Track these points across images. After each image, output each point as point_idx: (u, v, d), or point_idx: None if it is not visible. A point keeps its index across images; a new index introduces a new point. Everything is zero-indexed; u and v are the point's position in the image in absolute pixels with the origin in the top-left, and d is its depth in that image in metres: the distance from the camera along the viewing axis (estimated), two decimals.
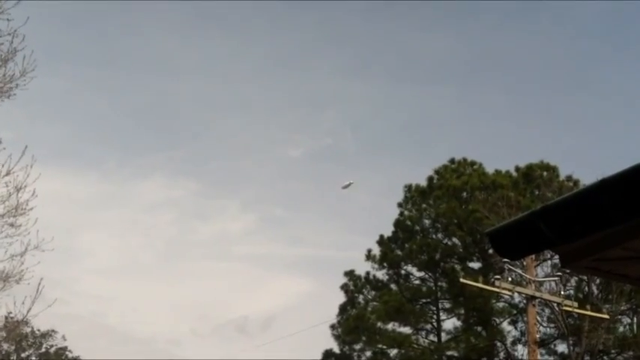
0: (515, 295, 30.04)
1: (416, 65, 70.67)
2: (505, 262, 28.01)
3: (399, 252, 39.83)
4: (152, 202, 71.52)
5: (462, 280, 28.74)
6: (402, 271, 39.86)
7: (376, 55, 73.20)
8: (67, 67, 65.50)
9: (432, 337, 38.81)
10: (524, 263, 28.46)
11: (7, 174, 14.56)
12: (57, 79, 62.12)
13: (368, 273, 40.40)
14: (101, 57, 71.66)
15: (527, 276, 27.41)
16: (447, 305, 39.25)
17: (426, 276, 39.78)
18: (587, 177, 39.09)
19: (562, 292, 28.67)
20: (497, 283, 26.23)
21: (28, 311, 14.75)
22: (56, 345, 47.05)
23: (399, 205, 40.93)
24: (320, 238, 65.66)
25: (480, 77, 71.04)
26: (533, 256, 28.41)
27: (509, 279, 27.84)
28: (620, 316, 34.05)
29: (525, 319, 29.63)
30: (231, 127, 73.83)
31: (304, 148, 72.64)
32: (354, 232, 63.36)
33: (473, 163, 40.33)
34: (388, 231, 40.36)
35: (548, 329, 36.10)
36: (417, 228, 40.08)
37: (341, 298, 40.52)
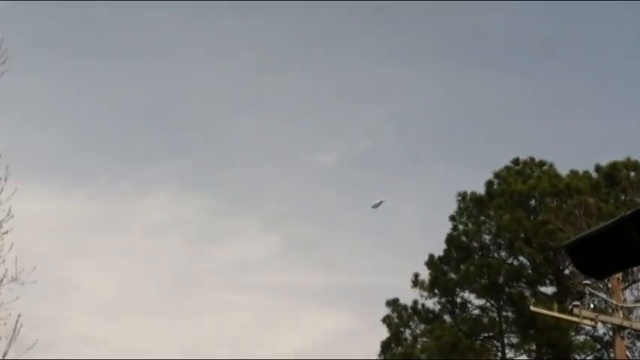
0: (599, 325, 30.10)
1: (474, 48, 71.02)
2: (585, 284, 27.96)
3: (452, 275, 40.08)
4: (155, 223, 71.80)
5: (532, 308, 29.03)
6: (458, 299, 40.12)
7: (426, 37, 73.30)
8: (51, 62, 66.16)
9: None
10: (609, 286, 28.58)
11: None
12: (38, 75, 62.80)
13: (415, 302, 40.59)
14: (92, 49, 72.32)
15: (614, 301, 27.57)
16: (515, 340, 39.29)
17: (488, 304, 39.96)
18: None
19: None
20: (576, 311, 26.32)
21: (3, 355, 14.91)
22: None
23: (452, 217, 41.07)
24: (357, 261, 66.15)
25: (552, 61, 71.52)
26: (620, 277, 28.46)
27: (591, 306, 27.97)
28: None
29: (612, 354, 29.75)
30: (250, 129, 74.77)
31: (338, 153, 73.49)
32: (399, 253, 63.26)
33: (542, 164, 40.64)
34: (439, 250, 40.71)
35: None
36: (475, 245, 40.40)
37: (384, 333, 40.77)
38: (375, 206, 44.77)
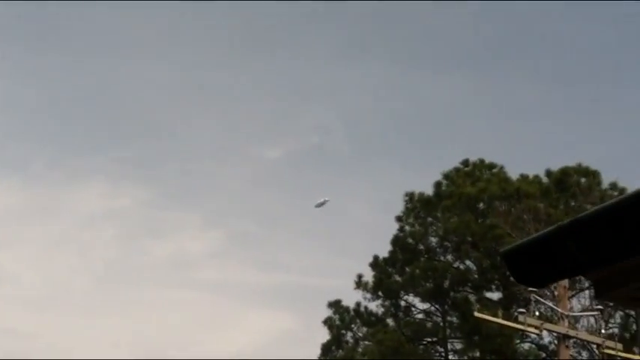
0: (545, 333, 30.08)
1: (425, 48, 71.42)
2: (532, 291, 28.07)
3: (397, 278, 40.08)
4: (90, 214, 71.17)
5: (477, 314, 28.90)
6: (402, 302, 40.19)
7: (376, 34, 73.48)
8: None
9: None
10: (556, 293, 28.60)
11: None
12: None
13: (358, 304, 40.64)
14: (26, 32, 71.23)
15: (560, 310, 27.60)
16: (458, 346, 39.51)
17: (432, 308, 40.07)
18: (636, 184, 38.11)
19: (603, 331, 28.93)
20: (521, 318, 26.34)
21: None
22: None
23: (399, 218, 41.06)
24: (300, 260, 65.53)
25: (504, 62, 71.91)
26: (567, 285, 28.42)
27: (537, 313, 28.17)
28: None
29: None
30: (193, 122, 74.89)
31: (284, 148, 73.91)
32: (343, 253, 63.25)
33: (492, 166, 40.69)
34: (384, 251, 40.80)
35: None
36: (421, 247, 40.37)
37: (325, 335, 40.85)
38: (319, 205, 45.12)
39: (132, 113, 74.02)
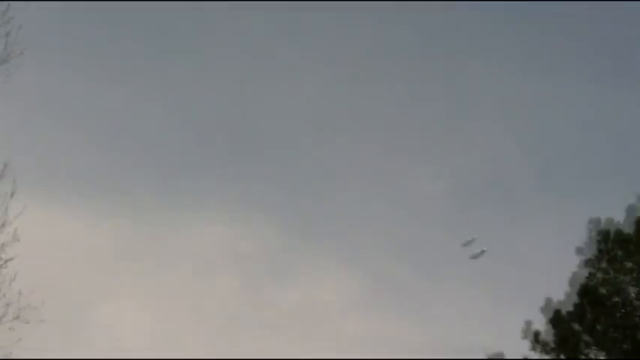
0: None
1: (609, 58, 66.16)
2: None
3: (586, 337, 36.94)
4: (208, 258, 70.00)
5: None
6: None
7: (559, 46, 68.83)
8: None
9: None
10: None
11: None
12: None
13: None
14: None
15: None
16: None
17: None
18: None
19: None
20: None
21: None
22: None
23: (588, 262, 37.77)
24: (458, 312, 60.84)
25: None
26: None
27: None
28: None
29: None
30: (333, 145, 74.43)
31: (447, 180, 70.93)
32: (521, 302, 57.75)
33: None
34: (568, 295, 38.18)
35: None
36: (617, 299, 36.97)
37: None
38: (475, 257, 41.80)
39: (266, 140, 72.28)
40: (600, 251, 37.56)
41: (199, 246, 70.86)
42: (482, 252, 42.76)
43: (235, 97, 72.93)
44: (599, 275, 37.36)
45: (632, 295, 36.71)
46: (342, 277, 70.42)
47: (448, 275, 61.34)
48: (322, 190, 72.69)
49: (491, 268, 58.41)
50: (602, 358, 36.48)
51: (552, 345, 37.01)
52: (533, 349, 37.26)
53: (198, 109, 73.35)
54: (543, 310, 37.88)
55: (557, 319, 37.35)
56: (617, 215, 37.74)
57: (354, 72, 72.51)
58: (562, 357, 36.87)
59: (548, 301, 38.02)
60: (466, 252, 45.15)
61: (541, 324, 37.68)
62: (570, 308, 37.40)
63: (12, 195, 14.76)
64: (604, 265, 37.50)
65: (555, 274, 41.51)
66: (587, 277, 37.38)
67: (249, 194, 72.24)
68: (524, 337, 37.67)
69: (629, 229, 37.06)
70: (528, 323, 37.82)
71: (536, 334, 37.41)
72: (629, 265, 36.97)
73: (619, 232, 37.31)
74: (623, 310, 36.69)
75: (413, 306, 63.42)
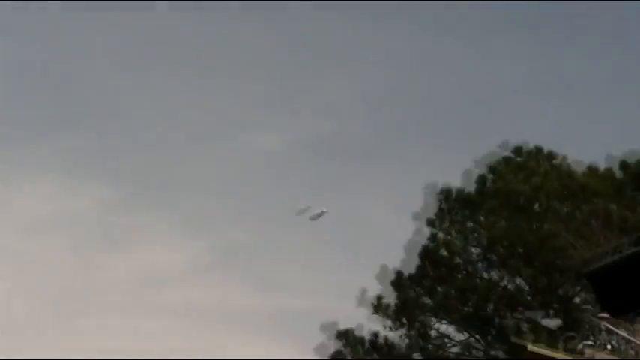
0: None
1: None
2: (602, 317, 26.90)
3: (427, 300, 37.95)
4: (34, 218, 66.60)
5: (530, 347, 28.22)
6: (432, 332, 38.17)
7: None
8: None
9: None
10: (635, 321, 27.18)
11: None
12: None
13: (376, 335, 38.51)
14: None
15: (639, 342, 27.10)
16: None
17: (472, 339, 38.09)
18: None
19: None
20: (587, 352, 26.56)
21: None
22: None
23: (430, 222, 38.69)
24: (300, 279, 61.22)
25: (566, 22, 65.72)
26: None
27: (608, 347, 28.10)
28: None
29: None
30: (170, 101, 69.47)
31: (286, 136, 69.24)
32: (356, 268, 57.00)
33: (552, 156, 39.07)
34: (409, 266, 38.52)
35: None
36: (459, 261, 38.19)
37: None
38: (314, 218, 42.13)
39: (87, 88, 69.71)
40: (441, 210, 38.61)
41: (25, 203, 68.48)
42: (323, 213, 42.88)
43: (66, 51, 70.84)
44: (441, 236, 38.46)
45: (474, 256, 38.15)
46: (181, 240, 68.46)
47: (285, 238, 62.28)
48: (159, 143, 71.07)
49: (329, 232, 59.49)
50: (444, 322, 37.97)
51: (392, 308, 37.84)
52: (376, 312, 37.99)
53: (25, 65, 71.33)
54: (379, 277, 38.35)
55: (398, 282, 38.04)
56: (453, 181, 38.80)
57: None
58: (404, 321, 37.85)
59: (384, 268, 38.38)
60: (304, 215, 45.41)
61: (377, 291, 38.53)
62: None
63: None
64: (446, 225, 38.63)
65: (392, 241, 41.39)
66: (429, 238, 38.41)
67: (82, 147, 69.95)
68: (359, 304, 38.25)
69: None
70: (363, 291, 38.28)
71: (379, 298, 38.12)
72: (470, 225, 38.26)
73: (460, 192, 38.49)
74: (464, 272, 38.00)
75: (251, 271, 62.98)
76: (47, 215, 66.60)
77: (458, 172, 38.83)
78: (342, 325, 39.25)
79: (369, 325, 38.71)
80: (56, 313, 60.38)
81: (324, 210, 42.13)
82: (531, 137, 40.89)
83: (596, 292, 6.61)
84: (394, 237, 40.08)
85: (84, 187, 67.37)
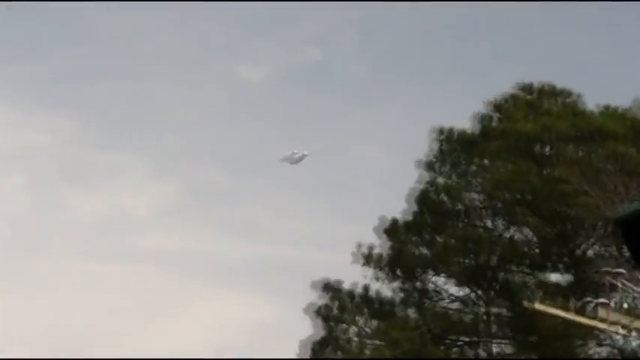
0: (634, 334, 29.70)
1: None
2: (617, 273, 27.37)
3: (424, 250, 37.41)
4: None
5: (536, 305, 28.86)
6: (429, 285, 37.72)
7: None
8: None
9: None
10: None
11: None
12: None
13: (366, 288, 37.80)
14: None
15: None
16: (507, 349, 37.40)
17: (472, 295, 37.77)
18: None
19: None
20: (600, 312, 26.50)
21: None
22: None
23: (428, 165, 37.82)
24: (284, 225, 60.54)
25: None
26: None
27: (624, 306, 27.80)
28: None
29: None
30: (141, 25, 66.32)
31: (269, 67, 67.61)
32: (348, 214, 56.80)
33: (565, 94, 38.15)
34: (405, 213, 37.86)
35: None
36: (459, 207, 37.56)
37: (310, 329, 38.14)
38: (294, 161, 41.86)
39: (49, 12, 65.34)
40: (442, 152, 37.61)
41: None
42: (304, 156, 41.88)
43: None
44: (441, 180, 37.52)
45: (476, 202, 37.32)
46: (149, 180, 67.33)
47: (269, 182, 61.24)
48: (127, 74, 69.33)
49: (320, 177, 58.41)
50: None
51: (385, 259, 36.92)
52: (367, 263, 37.09)
53: None
54: (376, 229, 37.40)
55: (392, 230, 37.07)
56: (463, 125, 37.84)
57: None
58: (398, 273, 37.03)
59: (383, 219, 37.44)
60: (287, 160, 44.21)
61: (384, 248, 37.78)
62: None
63: None
64: (446, 169, 37.77)
65: (392, 190, 40.71)
66: (427, 182, 37.38)
67: (39, 73, 68.08)
68: (355, 260, 37.29)
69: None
70: (359, 246, 37.30)
71: (371, 248, 37.26)
72: (473, 168, 37.45)
73: (462, 133, 37.35)
74: (466, 221, 37.18)
75: (229, 216, 61.99)
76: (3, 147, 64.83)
77: (467, 115, 37.57)
78: (333, 277, 38.01)
79: (366, 283, 37.77)
80: (9, 256, 58.32)
81: (306, 153, 41.25)
82: (557, 77, 39.88)
83: (627, 241, 5.11)
84: (395, 186, 38.94)
85: (41, 119, 65.67)
